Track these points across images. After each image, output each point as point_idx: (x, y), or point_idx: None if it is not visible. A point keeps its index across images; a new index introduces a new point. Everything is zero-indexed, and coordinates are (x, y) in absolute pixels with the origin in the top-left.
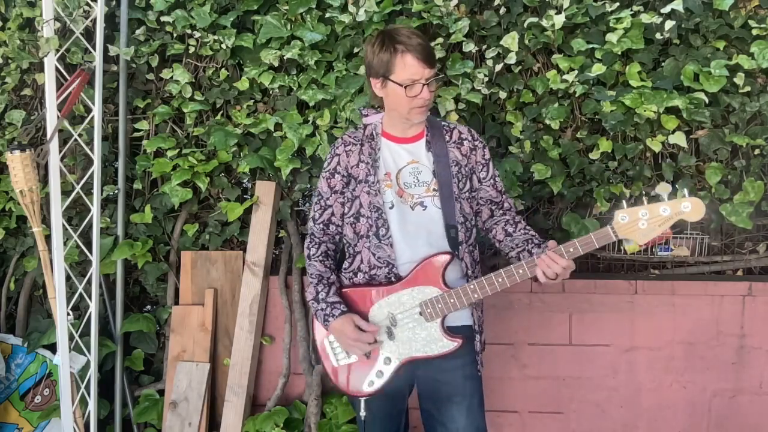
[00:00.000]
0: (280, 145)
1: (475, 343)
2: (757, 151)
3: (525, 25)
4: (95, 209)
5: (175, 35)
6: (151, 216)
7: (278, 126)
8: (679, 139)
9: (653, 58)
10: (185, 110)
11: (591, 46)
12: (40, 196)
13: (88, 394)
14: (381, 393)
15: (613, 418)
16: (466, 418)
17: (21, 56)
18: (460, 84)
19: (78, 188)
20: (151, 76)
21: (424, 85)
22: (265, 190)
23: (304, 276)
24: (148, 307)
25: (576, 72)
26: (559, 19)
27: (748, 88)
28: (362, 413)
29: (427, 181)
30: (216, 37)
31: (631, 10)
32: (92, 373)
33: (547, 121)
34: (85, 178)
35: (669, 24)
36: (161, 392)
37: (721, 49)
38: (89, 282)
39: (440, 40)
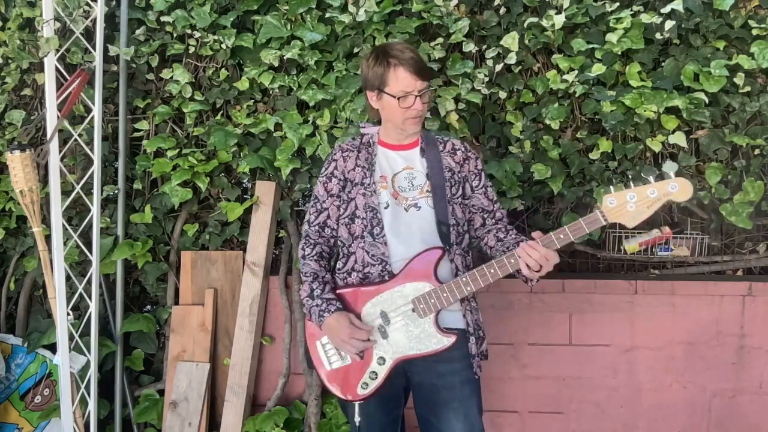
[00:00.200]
0: (280, 145)
1: (469, 345)
2: (757, 151)
3: (525, 25)
4: (95, 209)
5: (175, 35)
6: (151, 216)
7: (278, 126)
8: (679, 139)
9: (653, 58)
10: (185, 110)
11: (591, 46)
12: (40, 196)
13: (88, 394)
14: (375, 396)
15: (613, 418)
16: (463, 423)
17: (21, 56)
18: (460, 84)
19: (78, 188)
20: (151, 76)
21: (416, 96)
22: (265, 190)
23: None
24: (148, 307)
25: (576, 72)
26: (559, 19)
27: (748, 88)
28: (357, 418)
29: (421, 184)
30: (216, 37)
31: (631, 10)
32: (92, 373)
33: (547, 121)
34: (85, 178)
35: (669, 24)
36: (161, 392)
37: (721, 49)
38: (89, 282)
39: (440, 40)
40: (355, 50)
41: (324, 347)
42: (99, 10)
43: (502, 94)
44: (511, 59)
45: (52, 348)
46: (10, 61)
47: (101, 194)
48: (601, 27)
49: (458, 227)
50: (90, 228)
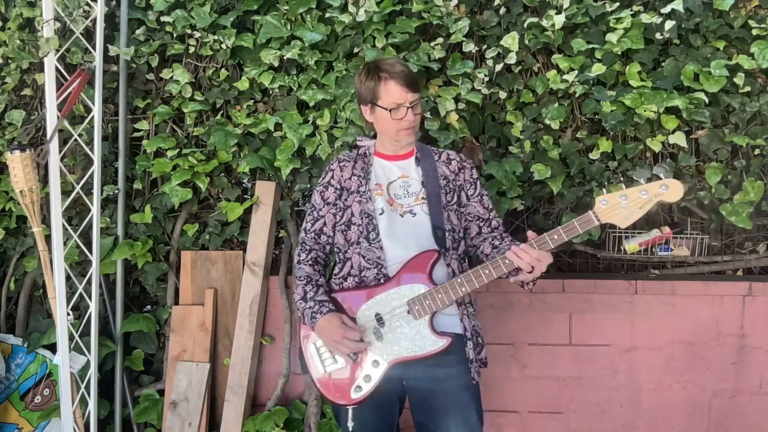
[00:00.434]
0: (280, 145)
1: (467, 350)
2: (757, 151)
3: (525, 25)
4: (95, 209)
5: (175, 35)
6: (151, 216)
7: (278, 126)
8: (679, 139)
9: (653, 58)
10: (185, 110)
11: (591, 46)
12: (40, 196)
13: (88, 394)
14: (369, 401)
15: (613, 418)
16: (462, 429)
17: (21, 56)
18: (460, 84)
19: (78, 188)
20: (151, 76)
21: (408, 108)
22: (265, 190)
23: None
24: (148, 307)
25: (576, 72)
26: (559, 19)
27: (748, 88)
28: (350, 424)
29: (416, 192)
30: (216, 37)
31: (631, 10)
32: (92, 373)
33: (547, 121)
34: (85, 178)
35: (669, 24)
36: (161, 392)
37: (721, 49)
38: (89, 282)
39: (440, 40)
40: (355, 50)
41: (318, 350)
42: (99, 10)
43: (502, 94)
44: (511, 59)
45: (52, 348)
46: (10, 61)
47: (101, 194)
48: (601, 27)
49: (454, 233)
50: (90, 228)
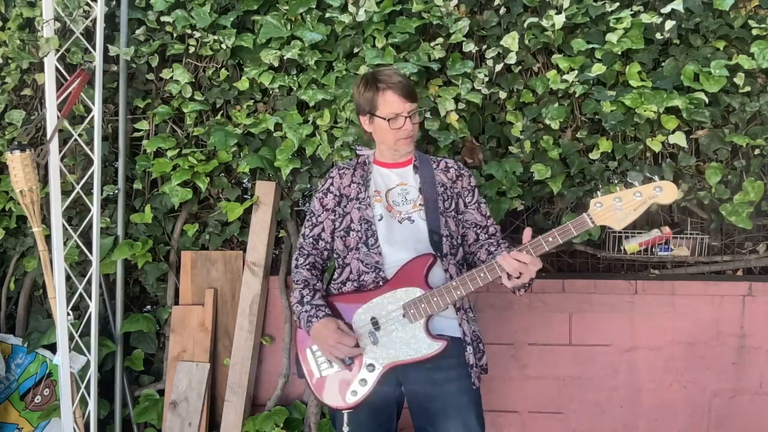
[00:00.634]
0: (280, 145)
1: (467, 355)
2: (757, 151)
3: (525, 25)
4: (95, 209)
5: (175, 35)
6: (151, 216)
7: (278, 126)
8: (679, 139)
9: (653, 58)
10: (185, 110)
11: (591, 46)
12: (40, 196)
13: (88, 394)
14: (365, 406)
15: (613, 418)
16: None
17: (21, 56)
18: (460, 84)
19: (78, 188)
20: (151, 76)
21: (406, 117)
22: (265, 190)
23: None
24: (148, 307)
25: (576, 72)
26: (559, 19)
27: (748, 88)
28: (345, 428)
29: (414, 199)
30: (216, 37)
31: (631, 10)
32: (92, 373)
33: (547, 121)
34: (85, 178)
35: (669, 24)
36: (161, 392)
37: (721, 49)
38: (89, 282)
39: (440, 40)
40: (355, 50)
41: (314, 354)
42: (99, 10)
43: (502, 94)
44: (511, 59)
45: (52, 348)
46: (10, 61)
47: (101, 194)
48: (601, 27)
49: (452, 239)
50: (90, 228)
